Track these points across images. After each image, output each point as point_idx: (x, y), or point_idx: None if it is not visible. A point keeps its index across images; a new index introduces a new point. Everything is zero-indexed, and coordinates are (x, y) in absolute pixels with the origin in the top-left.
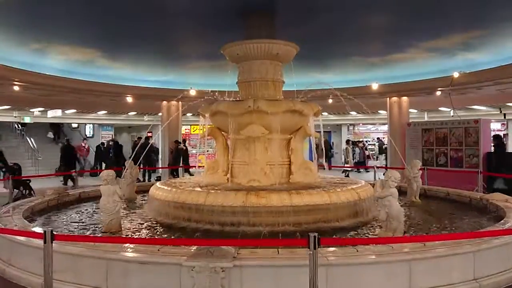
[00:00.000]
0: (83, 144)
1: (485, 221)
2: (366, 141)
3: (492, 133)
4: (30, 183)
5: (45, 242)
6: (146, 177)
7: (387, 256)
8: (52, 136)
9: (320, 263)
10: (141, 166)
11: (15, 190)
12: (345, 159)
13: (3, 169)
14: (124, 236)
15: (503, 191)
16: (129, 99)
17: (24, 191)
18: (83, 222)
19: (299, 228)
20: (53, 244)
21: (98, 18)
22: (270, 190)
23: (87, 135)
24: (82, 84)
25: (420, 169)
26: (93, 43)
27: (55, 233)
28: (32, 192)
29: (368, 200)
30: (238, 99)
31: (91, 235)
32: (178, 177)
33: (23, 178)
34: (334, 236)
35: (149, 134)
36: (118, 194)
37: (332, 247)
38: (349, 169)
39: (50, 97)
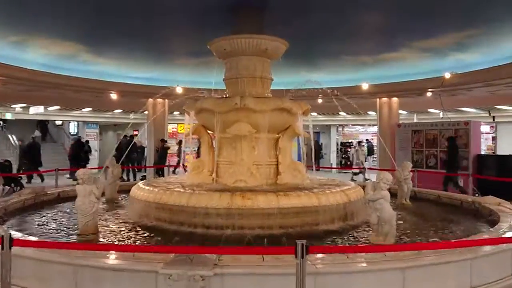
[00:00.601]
0: None
1: (479, 225)
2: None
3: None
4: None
5: (2, 248)
6: (131, 176)
7: (379, 263)
8: (39, 135)
9: (308, 271)
10: (124, 165)
11: (6, 187)
12: (354, 161)
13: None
14: (99, 239)
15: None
16: (114, 95)
17: (15, 187)
18: (58, 224)
19: (286, 231)
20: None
21: (81, 12)
22: (257, 191)
23: (71, 133)
24: (64, 79)
25: (411, 171)
26: (76, 37)
27: (26, 236)
28: (23, 189)
29: (358, 202)
30: (225, 96)
31: (55, 241)
32: (163, 176)
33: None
34: (323, 240)
35: (135, 133)
36: (95, 194)
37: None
38: (357, 170)
39: (31, 93)
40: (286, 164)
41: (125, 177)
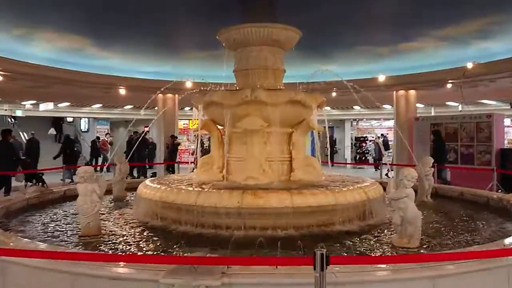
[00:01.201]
0: (106, 139)
1: (510, 226)
2: (373, 137)
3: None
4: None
5: None
6: (141, 173)
7: (405, 272)
8: (54, 133)
9: (327, 281)
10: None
11: (28, 183)
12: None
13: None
14: (102, 241)
15: None
16: (122, 91)
17: (37, 184)
18: (60, 224)
19: (301, 232)
20: None
21: (86, 5)
22: (269, 190)
23: (82, 130)
24: (71, 74)
25: (432, 166)
26: (82, 30)
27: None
28: (45, 185)
29: (378, 200)
30: (235, 89)
31: (39, 250)
32: (174, 173)
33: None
34: (341, 242)
35: (147, 129)
36: (97, 193)
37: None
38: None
39: (38, 89)
40: (300, 160)
41: (135, 174)
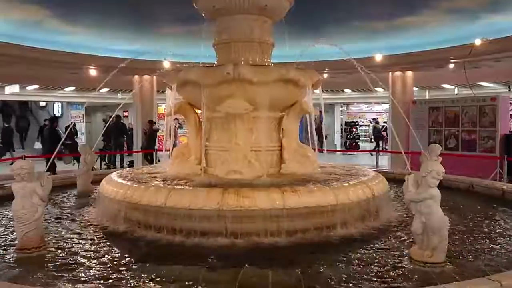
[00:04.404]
0: None
1: None
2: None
3: None
4: None
5: None
6: (118, 163)
7: None
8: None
9: None
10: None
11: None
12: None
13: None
14: (44, 256)
15: None
16: (93, 72)
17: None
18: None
19: (294, 240)
20: None
21: None
22: (256, 187)
23: (55, 115)
24: (29, 52)
25: (441, 155)
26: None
27: None
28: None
29: (384, 196)
30: (215, 65)
31: None
32: (152, 162)
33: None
34: (343, 252)
35: (125, 114)
36: (38, 194)
37: None
38: None
39: None
40: (291, 150)
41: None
